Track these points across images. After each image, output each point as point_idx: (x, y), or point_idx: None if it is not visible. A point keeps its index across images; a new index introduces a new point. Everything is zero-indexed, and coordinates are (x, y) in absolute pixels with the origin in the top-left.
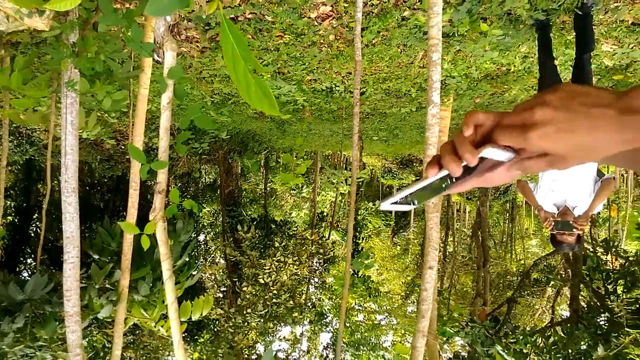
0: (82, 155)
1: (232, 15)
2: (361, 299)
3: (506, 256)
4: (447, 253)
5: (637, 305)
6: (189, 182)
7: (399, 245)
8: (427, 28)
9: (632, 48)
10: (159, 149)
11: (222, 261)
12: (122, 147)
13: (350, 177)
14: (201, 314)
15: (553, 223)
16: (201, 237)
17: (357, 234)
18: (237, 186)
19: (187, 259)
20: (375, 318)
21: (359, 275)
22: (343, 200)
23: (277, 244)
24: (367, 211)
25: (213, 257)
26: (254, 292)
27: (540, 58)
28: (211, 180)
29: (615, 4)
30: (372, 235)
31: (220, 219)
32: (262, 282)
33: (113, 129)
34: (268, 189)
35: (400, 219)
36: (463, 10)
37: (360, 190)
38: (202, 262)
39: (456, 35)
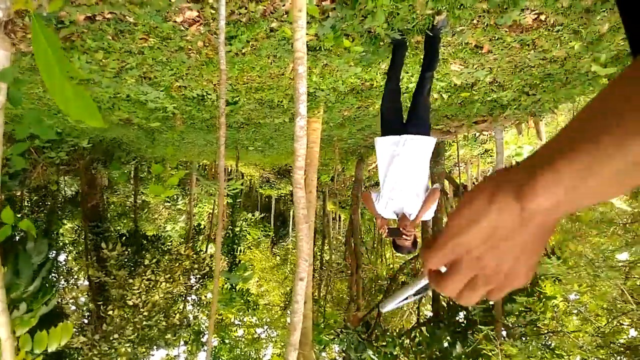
0: None
1: (89, 14)
2: (240, 313)
3: (377, 261)
4: (324, 261)
5: (488, 303)
6: (46, 195)
7: (279, 255)
8: (293, 41)
9: (475, 68)
10: None
11: (86, 283)
12: None
13: (227, 187)
14: (59, 344)
15: (387, 230)
16: (62, 257)
17: (235, 246)
18: (102, 199)
19: (42, 283)
20: (255, 332)
21: (237, 289)
22: (218, 200)
23: (147, 261)
24: (246, 222)
25: (76, 278)
26: (122, 316)
27: (388, 72)
28: (73, 193)
29: (461, 28)
30: (251, 247)
31: (83, 236)
32: (131, 303)
33: None
34: (139, 201)
35: (280, 229)
36: (327, 26)
37: (238, 200)
38: (63, 285)
39: (322, 49)
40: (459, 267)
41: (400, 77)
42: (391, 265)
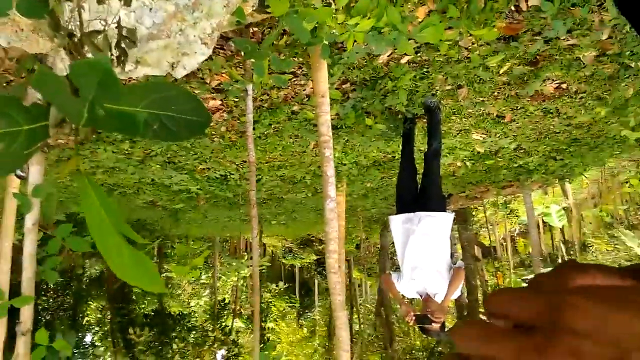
0: None
1: None
2: None
3: (410, 331)
4: (354, 332)
5: None
6: (72, 278)
7: (306, 327)
8: (316, 122)
9: (498, 137)
10: (22, 281)
11: None
12: None
13: (250, 266)
14: None
15: (414, 317)
16: (87, 338)
17: (262, 322)
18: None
19: None
20: None
21: None
22: (245, 284)
23: (175, 345)
24: (270, 293)
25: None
26: None
27: (401, 150)
28: (97, 273)
29: (482, 99)
30: (277, 319)
31: (109, 317)
32: None
33: None
34: (163, 277)
35: (304, 298)
36: (348, 106)
37: (262, 271)
38: None
39: (344, 127)
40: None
41: (414, 154)
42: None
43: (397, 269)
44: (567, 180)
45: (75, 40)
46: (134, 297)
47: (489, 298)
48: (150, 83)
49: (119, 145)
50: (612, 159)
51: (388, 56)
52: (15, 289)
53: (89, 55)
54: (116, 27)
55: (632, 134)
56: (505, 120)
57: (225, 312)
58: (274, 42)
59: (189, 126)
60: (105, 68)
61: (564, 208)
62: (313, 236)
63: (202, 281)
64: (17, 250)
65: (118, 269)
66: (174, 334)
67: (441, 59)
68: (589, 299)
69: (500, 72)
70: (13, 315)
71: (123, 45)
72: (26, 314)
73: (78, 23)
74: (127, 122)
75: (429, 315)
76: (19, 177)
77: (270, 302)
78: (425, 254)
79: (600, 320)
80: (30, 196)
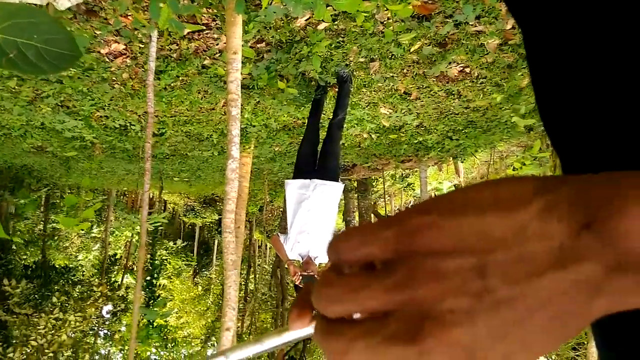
0: None
1: None
2: (158, 349)
3: None
4: (249, 291)
5: None
6: None
7: (201, 285)
8: (226, 79)
9: (404, 113)
10: None
11: None
12: None
13: (148, 220)
14: None
15: (300, 277)
16: None
17: (154, 279)
18: (6, 228)
19: None
20: None
21: (154, 324)
22: (140, 240)
23: (55, 299)
24: (167, 251)
25: None
26: (24, 358)
27: (308, 118)
28: None
29: (392, 75)
30: (171, 277)
31: None
32: (36, 343)
33: None
34: (50, 229)
35: (202, 257)
36: (262, 67)
37: (159, 228)
38: None
39: (256, 88)
40: (400, 269)
41: (320, 123)
42: None
43: (285, 230)
44: (460, 159)
45: None
46: (13, 247)
47: (334, 245)
48: (10, 4)
49: (5, 82)
50: (502, 143)
51: (306, 20)
52: None
53: None
54: None
55: (521, 120)
56: (411, 98)
57: (116, 268)
58: None
59: (54, 59)
60: None
61: (455, 185)
62: (217, 196)
63: (93, 235)
64: None
65: None
66: (56, 287)
67: (357, 30)
68: (437, 216)
69: (411, 50)
70: None
71: None
72: None
73: None
74: None
75: (315, 276)
76: None
77: (166, 259)
78: (314, 219)
79: (452, 232)
80: None
